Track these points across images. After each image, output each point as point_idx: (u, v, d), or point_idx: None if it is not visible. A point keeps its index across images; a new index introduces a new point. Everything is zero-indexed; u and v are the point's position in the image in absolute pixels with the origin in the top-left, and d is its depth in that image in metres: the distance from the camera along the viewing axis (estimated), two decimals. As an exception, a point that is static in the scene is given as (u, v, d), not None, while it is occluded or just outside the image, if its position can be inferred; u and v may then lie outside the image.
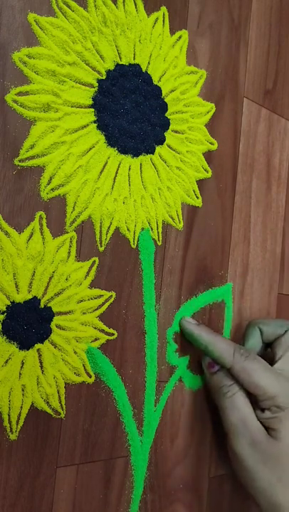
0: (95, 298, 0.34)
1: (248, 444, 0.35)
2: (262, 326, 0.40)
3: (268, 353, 0.40)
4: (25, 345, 0.31)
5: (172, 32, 0.38)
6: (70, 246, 0.33)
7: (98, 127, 0.34)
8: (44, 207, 0.32)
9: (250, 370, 0.36)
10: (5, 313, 0.30)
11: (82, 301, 0.33)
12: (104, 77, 0.34)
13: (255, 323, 0.41)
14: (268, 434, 0.35)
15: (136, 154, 0.35)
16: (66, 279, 0.32)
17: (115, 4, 0.34)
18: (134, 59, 0.35)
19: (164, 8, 0.37)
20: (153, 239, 0.37)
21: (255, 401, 0.36)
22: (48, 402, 0.32)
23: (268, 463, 0.34)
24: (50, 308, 0.32)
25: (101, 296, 0.34)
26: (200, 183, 0.40)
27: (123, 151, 0.35)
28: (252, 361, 0.36)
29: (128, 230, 0.35)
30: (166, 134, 0.37)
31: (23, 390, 0.31)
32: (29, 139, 0.31)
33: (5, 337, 0.30)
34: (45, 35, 0.31)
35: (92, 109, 0.33)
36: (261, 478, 0.35)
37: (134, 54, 0.35)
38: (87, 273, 0.34)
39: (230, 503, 0.43)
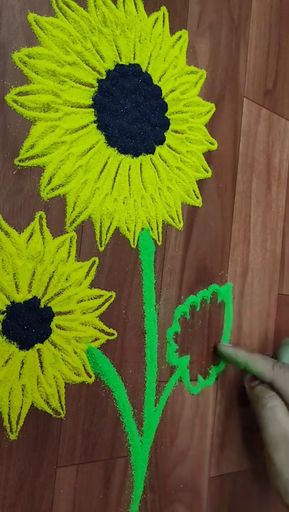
0: (95, 298, 0.34)
1: (286, 456, 0.36)
2: None
3: None
4: (25, 345, 0.31)
5: (172, 32, 0.38)
6: (70, 246, 0.33)
7: (98, 127, 0.33)
8: (44, 207, 0.32)
9: None
10: (5, 313, 0.30)
11: (82, 301, 0.33)
12: (104, 77, 0.34)
13: (287, 341, 0.42)
14: None
15: (136, 154, 0.35)
16: (66, 279, 0.32)
17: (115, 4, 0.34)
18: (134, 59, 0.35)
19: (164, 8, 0.37)
20: (153, 239, 0.37)
21: None
22: (48, 402, 0.32)
23: None
24: (50, 308, 0.32)
25: (101, 296, 0.34)
26: (200, 183, 0.40)
27: (123, 151, 0.35)
28: None
29: (128, 230, 0.35)
30: (166, 134, 0.37)
31: (23, 390, 0.31)
32: (29, 139, 0.31)
33: (5, 337, 0.30)
34: (45, 35, 0.31)
35: (92, 109, 0.33)
36: None
37: (134, 54, 0.35)
38: (87, 273, 0.34)
39: (231, 503, 0.43)
